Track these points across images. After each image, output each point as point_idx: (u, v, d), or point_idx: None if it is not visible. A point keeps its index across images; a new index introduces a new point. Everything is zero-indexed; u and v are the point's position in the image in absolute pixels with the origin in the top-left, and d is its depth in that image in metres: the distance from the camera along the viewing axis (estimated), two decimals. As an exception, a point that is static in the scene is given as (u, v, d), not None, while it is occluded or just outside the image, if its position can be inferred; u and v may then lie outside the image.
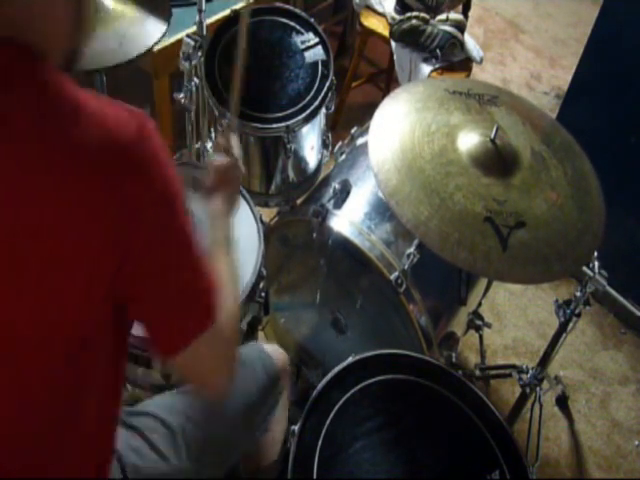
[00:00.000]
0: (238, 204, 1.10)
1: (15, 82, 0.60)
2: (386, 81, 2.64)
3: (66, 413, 0.74)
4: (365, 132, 1.57)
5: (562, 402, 1.89)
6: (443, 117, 1.26)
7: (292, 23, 1.62)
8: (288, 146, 1.54)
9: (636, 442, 1.84)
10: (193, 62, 1.53)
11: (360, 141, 1.59)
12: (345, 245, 1.36)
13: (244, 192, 1.42)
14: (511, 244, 1.10)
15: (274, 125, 1.51)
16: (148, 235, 0.66)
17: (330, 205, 1.42)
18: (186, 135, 1.71)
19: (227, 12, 1.71)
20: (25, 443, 0.74)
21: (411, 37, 2.14)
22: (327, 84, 1.56)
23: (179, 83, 1.60)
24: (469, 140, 1.22)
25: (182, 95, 1.59)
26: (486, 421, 1.15)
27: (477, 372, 1.71)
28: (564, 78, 2.82)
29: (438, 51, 2.12)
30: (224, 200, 1.03)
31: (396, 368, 1.19)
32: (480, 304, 1.66)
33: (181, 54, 1.56)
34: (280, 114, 1.52)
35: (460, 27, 2.15)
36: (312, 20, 1.63)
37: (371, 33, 2.30)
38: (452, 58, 2.15)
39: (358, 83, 2.60)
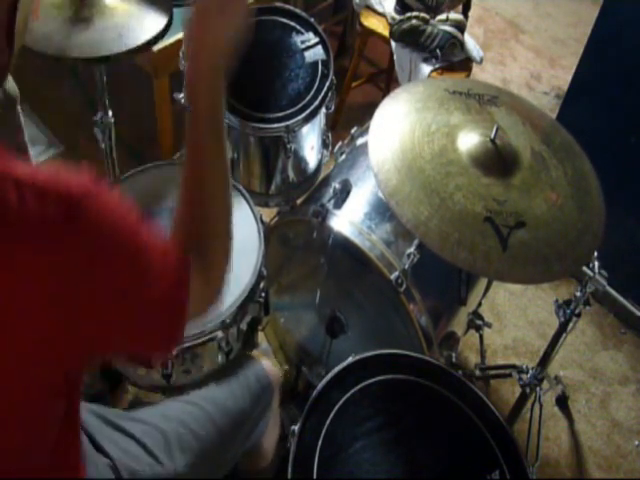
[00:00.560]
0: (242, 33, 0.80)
1: None
2: (386, 81, 2.64)
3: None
4: (365, 132, 1.57)
5: (562, 402, 1.89)
6: (443, 117, 1.26)
7: (292, 23, 1.62)
8: (288, 146, 1.53)
9: (636, 442, 1.84)
10: (193, 62, 1.53)
11: (360, 141, 1.59)
12: (345, 245, 1.36)
13: (244, 192, 1.42)
14: (511, 244, 1.10)
15: (274, 125, 1.51)
16: (98, 288, 0.63)
17: (330, 205, 1.41)
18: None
19: (227, 12, 1.71)
20: None
21: (411, 37, 2.14)
22: (327, 84, 1.56)
23: (179, 83, 1.60)
24: (469, 140, 1.22)
25: (182, 95, 1.59)
26: (486, 421, 1.15)
27: (477, 372, 1.71)
28: (564, 78, 2.82)
29: (438, 51, 2.11)
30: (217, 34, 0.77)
31: (396, 368, 1.19)
32: (480, 304, 1.66)
33: (181, 54, 1.57)
34: (280, 114, 1.52)
35: (460, 27, 2.15)
36: (312, 20, 1.62)
37: (371, 33, 2.30)
38: (452, 58, 2.15)
39: (358, 83, 2.59)
